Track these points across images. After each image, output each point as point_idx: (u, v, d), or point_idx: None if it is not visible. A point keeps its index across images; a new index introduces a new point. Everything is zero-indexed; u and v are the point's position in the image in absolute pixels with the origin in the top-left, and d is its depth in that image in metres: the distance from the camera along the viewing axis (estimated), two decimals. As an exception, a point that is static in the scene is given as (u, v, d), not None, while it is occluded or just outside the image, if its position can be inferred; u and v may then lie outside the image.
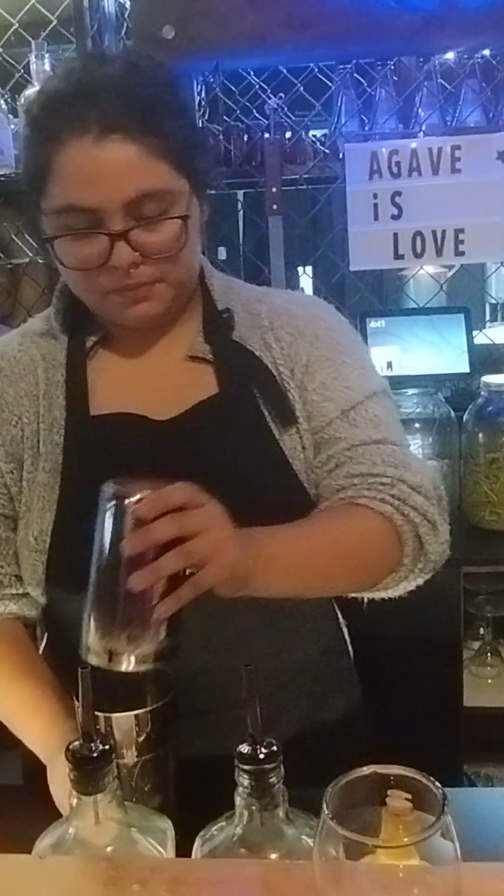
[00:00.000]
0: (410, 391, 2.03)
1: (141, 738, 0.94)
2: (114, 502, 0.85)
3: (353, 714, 1.28)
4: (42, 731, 1.06)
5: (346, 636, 1.34)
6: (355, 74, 2.23)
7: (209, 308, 1.17)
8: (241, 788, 0.77)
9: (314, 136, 2.34)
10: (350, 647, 1.34)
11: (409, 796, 0.56)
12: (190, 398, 1.12)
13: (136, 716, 0.93)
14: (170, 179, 1.02)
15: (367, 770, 0.56)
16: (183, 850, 0.83)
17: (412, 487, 1.08)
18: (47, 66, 2.24)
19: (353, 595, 1.15)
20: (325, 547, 1.04)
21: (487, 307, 2.80)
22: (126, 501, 0.85)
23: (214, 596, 0.90)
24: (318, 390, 1.13)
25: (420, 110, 2.18)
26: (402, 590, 1.12)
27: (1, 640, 1.16)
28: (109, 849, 0.79)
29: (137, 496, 0.85)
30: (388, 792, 0.58)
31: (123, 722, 0.93)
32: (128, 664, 0.85)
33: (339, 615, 1.33)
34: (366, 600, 1.15)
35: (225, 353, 1.14)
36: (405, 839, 0.49)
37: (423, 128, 2.17)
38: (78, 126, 0.99)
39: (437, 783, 0.54)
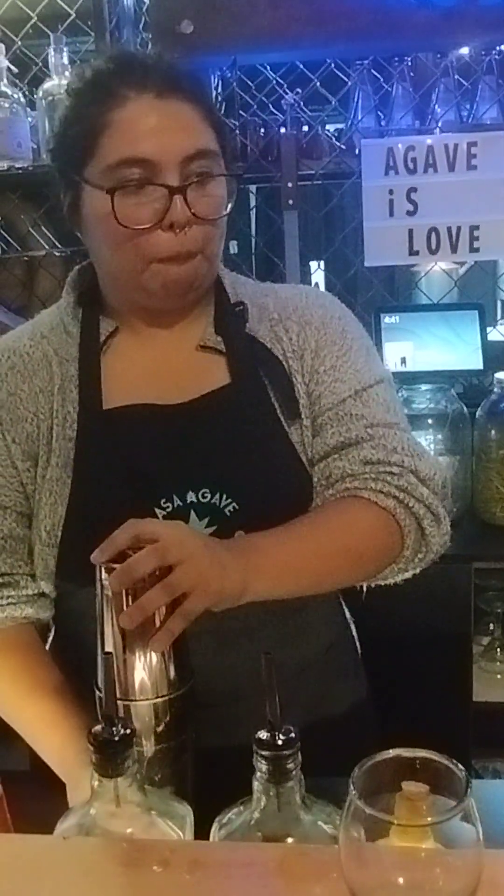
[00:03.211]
0: (424, 387, 2.03)
1: (159, 728, 0.95)
2: (100, 578, 0.91)
3: (360, 709, 1.29)
4: (59, 747, 1.07)
5: (354, 632, 1.35)
6: (372, 70, 2.23)
7: (222, 301, 1.19)
8: (258, 774, 0.78)
9: (331, 130, 2.35)
10: (358, 643, 1.35)
11: (426, 786, 0.57)
12: (202, 387, 1.14)
13: (155, 705, 0.95)
14: (215, 144, 1.08)
15: (391, 753, 0.57)
16: (199, 838, 0.84)
17: (421, 479, 1.09)
18: (65, 60, 2.25)
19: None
20: (325, 545, 1.05)
21: (500, 304, 2.79)
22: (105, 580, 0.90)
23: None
24: (328, 372, 1.15)
25: (437, 106, 2.18)
26: (400, 578, 1.14)
27: (17, 649, 1.15)
28: (130, 830, 0.81)
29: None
30: (404, 782, 0.59)
31: (142, 710, 0.94)
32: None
33: (346, 611, 1.34)
34: (364, 588, 1.17)
35: (237, 345, 1.15)
36: (428, 819, 0.51)
37: (440, 124, 2.17)
38: (139, 82, 1.03)
39: (460, 766, 0.55)
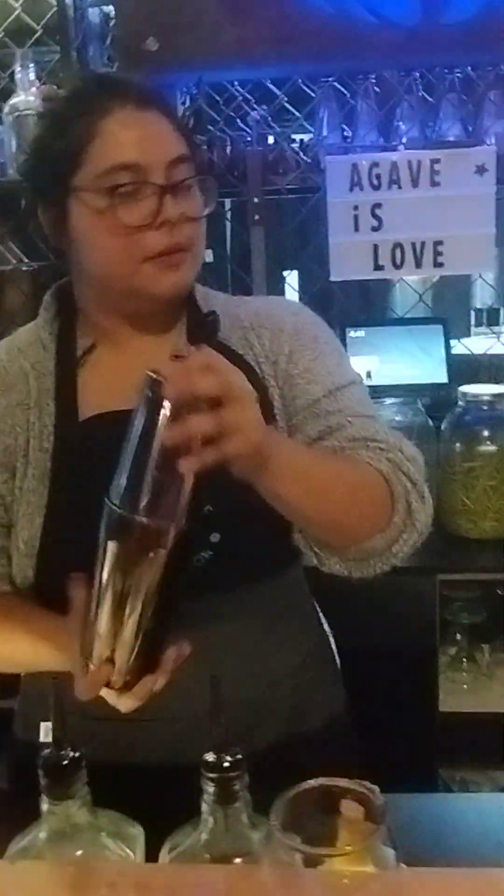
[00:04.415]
0: (389, 400, 2.06)
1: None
2: (149, 389, 0.85)
3: (338, 722, 1.30)
4: (47, 637, 1.07)
5: (333, 645, 1.36)
6: (337, 85, 2.26)
7: (194, 312, 1.21)
8: (206, 795, 0.79)
9: (298, 139, 2.37)
10: (337, 657, 1.37)
11: (361, 807, 0.59)
12: None
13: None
14: (189, 152, 1.14)
15: (314, 783, 0.58)
16: (151, 858, 0.85)
17: (407, 458, 1.12)
18: (32, 76, 2.26)
19: (338, 567, 1.15)
20: (330, 470, 1.07)
21: (473, 313, 2.83)
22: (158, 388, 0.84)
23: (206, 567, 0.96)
24: (302, 374, 1.17)
25: (400, 123, 2.20)
26: (387, 562, 1.13)
27: None
28: (79, 852, 0.82)
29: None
30: (342, 802, 0.60)
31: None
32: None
33: (325, 623, 1.35)
34: (352, 573, 1.16)
35: None
36: (347, 847, 0.52)
37: (404, 141, 2.20)
38: (121, 95, 1.10)
39: (377, 793, 0.56)
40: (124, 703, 0.99)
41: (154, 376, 0.84)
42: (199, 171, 1.16)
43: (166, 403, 0.83)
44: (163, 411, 0.83)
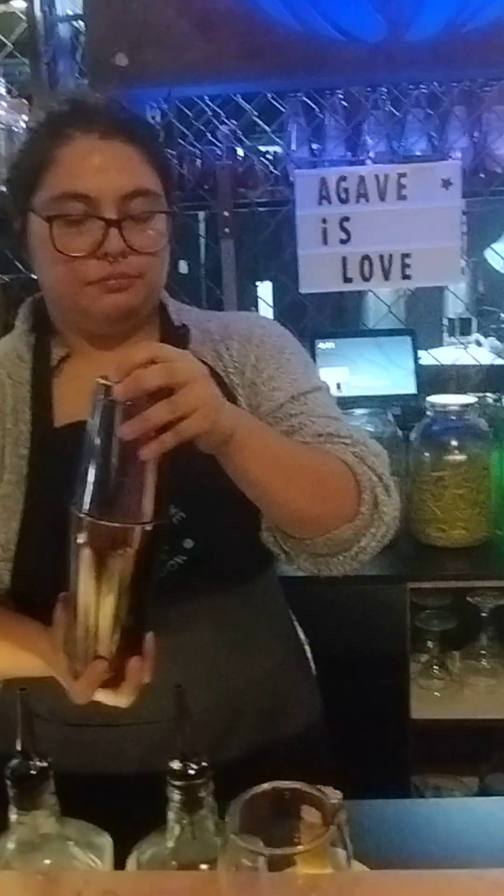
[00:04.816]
0: (358, 411, 2.08)
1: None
2: (101, 395, 0.88)
3: (313, 729, 1.31)
4: (25, 644, 1.09)
5: (308, 652, 1.37)
6: (306, 99, 2.29)
7: (166, 324, 1.23)
8: (171, 803, 0.80)
9: (268, 151, 2.39)
10: (312, 664, 1.38)
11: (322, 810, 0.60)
12: None
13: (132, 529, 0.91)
14: (156, 184, 1.14)
15: (267, 786, 0.60)
16: (120, 866, 0.86)
17: (372, 453, 1.13)
18: (2, 90, 2.27)
19: (306, 565, 1.16)
20: (295, 453, 1.09)
21: (445, 323, 2.87)
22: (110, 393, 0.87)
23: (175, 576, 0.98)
24: (266, 382, 1.19)
25: (368, 138, 2.24)
26: (356, 558, 1.13)
27: None
28: (47, 862, 0.83)
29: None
30: (303, 807, 0.62)
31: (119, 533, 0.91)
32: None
33: (300, 631, 1.37)
34: (322, 573, 1.16)
35: None
36: (299, 848, 0.53)
37: (371, 155, 2.23)
38: (86, 123, 1.11)
39: (330, 796, 0.58)
40: (121, 697, 0.99)
41: (104, 381, 0.87)
42: (166, 202, 1.16)
43: (118, 404, 0.86)
44: (117, 413, 0.86)
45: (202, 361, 1.19)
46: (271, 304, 2.64)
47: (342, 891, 0.55)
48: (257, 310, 2.64)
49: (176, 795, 0.80)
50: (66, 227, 1.09)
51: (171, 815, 0.81)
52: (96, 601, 0.92)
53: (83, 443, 0.90)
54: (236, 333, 1.24)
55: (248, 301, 2.62)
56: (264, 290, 2.67)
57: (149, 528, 0.89)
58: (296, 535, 1.14)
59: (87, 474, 0.89)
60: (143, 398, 0.86)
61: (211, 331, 1.24)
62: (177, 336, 1.21)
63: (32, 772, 0.82)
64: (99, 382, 0.88)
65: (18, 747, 0.84)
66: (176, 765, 0.81)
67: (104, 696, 0.98)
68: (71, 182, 1.09)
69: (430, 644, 2.27)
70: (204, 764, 0.81)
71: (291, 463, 1.06)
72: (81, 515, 0.89)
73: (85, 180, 1.09)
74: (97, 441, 0.88)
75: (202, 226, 2.62)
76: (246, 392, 1.20)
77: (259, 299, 2.63)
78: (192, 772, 0.80)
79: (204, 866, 0.81)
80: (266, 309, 2.63)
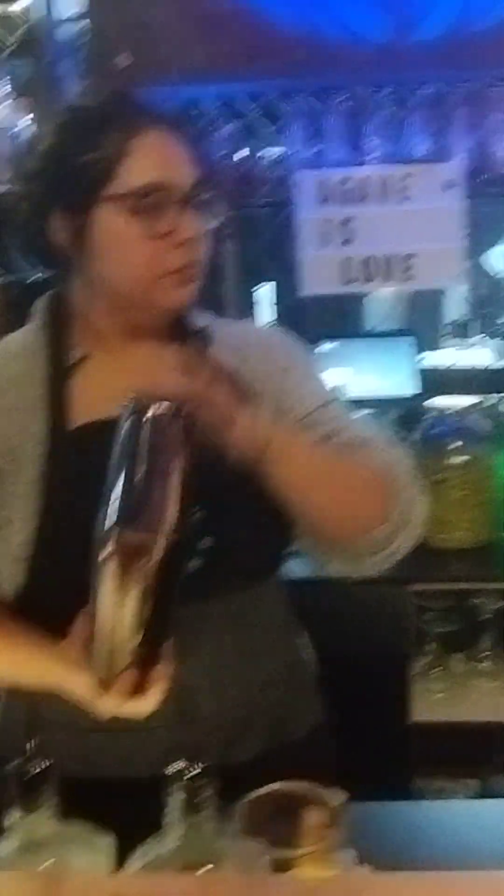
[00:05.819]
0: (360, 413, 2.07)
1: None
2: (133, 415, 0.92)
3: (318, 731, 1.31)
4: (44, 662, 1.08)
5: (313, 654, 1.37)
6: (309, 97, 2.28)
7: (189, 325, 1.24)
8: (174, 805, 0.80)
9: (270, 153, 2.38)
10: (315, 664, 1.38)
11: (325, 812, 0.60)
12: None
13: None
14: (205, 173, 1.18)
15: (271, 788, 0.59)
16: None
17: (402, 457, 1.18)
18: (8, 88, 2.27)
19: (340, 567, 1.19)
20: (331, 455, 1.12)
21: (448, 325, 2.86)
22: (145, 415, 0.92)
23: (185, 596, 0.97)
24: (296, 389, 1.22)
25: (371, 139, 2.23)
26: (387, 559, 1.16)
27: None
28: (48, 863, 0.82)
29: (155, 407, 0.92)
30: (308, 808, 0.61)
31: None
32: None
33: (306, 633, 1.36)
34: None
35: None
36: (304, 849, 0.53)
37: (375, 156, 2.23)
38: (154, 116, 1.16)
39: (332, 798, 0.58)
40: (144, 706, 1.00)
41: (136, 397, 0.91)
42: (212, 189, 1.20)
43: (147, 419, 0.90)
44: (145, 427, 0.90)
45: (225, 366, 1.21)
46: (273, 305, 2.63)
47: (346, 892, 0.54)
48: (257, 311, 2.64)
49: (178, 797, 0.80)
50: (146, 214, 1.11)
51: (173, 817, 0.81)
52: (122, 613, 0.94)
53: (109, 458, 0.92)
54: (256, 341, 1.27)
55: (249, 302, 2.61)
56: (264, 291, 2.66)
57: (174, 538, 0.92)
58: (334, 538, 1.16)
59: (113, 488, 0.92)
60: (170, 414, 0.90)
61: (231, 335, 1.26)
62: (198, 336, 1.22)
63: (33, 772, 0.82)
64: (131, 398, 0.92)
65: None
66: (178, 766, 0.80)
67: (128, 707, 0.98)
68: (152, 170, 1.12)
69: (432, 646, 2.26)
70: (206, 765, 0.80)
71: (327, 467, 1.10)
72: (108, 528, 0.91)
73: (165, 170, 1.12)
74: (124, 454, 0.91)
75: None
76: (274, 398, 1.20)
77: (261, 299, 2.62)
78: (194, 773, 0.80)
79: (207, 868, 0.80)
80: (268, 311, 2.62)
